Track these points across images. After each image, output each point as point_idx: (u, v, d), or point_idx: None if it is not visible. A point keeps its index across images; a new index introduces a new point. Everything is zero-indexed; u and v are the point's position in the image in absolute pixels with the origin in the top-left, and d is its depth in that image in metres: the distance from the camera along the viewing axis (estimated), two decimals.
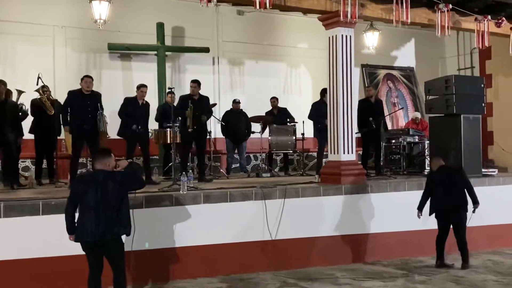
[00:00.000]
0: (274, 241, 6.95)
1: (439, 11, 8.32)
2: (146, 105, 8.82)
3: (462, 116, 8.81)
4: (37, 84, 8.28)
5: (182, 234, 6.47)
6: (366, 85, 12.93)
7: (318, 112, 9.83)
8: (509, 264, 7.35)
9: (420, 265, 7.16)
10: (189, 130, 8.49)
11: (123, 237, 4.92)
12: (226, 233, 6.73)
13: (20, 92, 8.30)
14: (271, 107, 11.11)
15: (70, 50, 10.82)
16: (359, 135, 9.30)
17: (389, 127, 12.44)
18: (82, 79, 8.09)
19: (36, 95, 8.61)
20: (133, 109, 8.58)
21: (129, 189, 4.95)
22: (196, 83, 8.93)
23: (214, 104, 10.50)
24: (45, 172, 9.00)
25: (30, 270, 5.78)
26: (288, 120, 10.87)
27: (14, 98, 8.30)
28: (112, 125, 8.76)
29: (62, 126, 8.34)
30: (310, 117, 10.38)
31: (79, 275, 4.90)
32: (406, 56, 14.37)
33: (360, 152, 10.18)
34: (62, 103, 8.32)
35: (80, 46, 10.88)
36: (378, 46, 12.72)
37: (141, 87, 8.72)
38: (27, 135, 8.61)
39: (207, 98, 9.18)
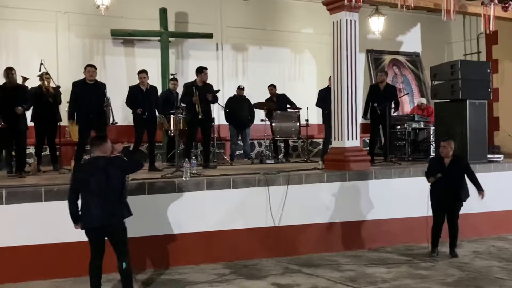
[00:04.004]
0: (277, 228, 6.95)
1: None
2: (151, 90, 8.65)
3: (468, 101, 8.73)
4: (39, 71, 8.26)
5: (185, 221, 6.46)
6: (375, 71, 12.75)
7: (325, 99, 9.71)
8: None
9: (424, 252, 7.11)
10: (200, 116, 8.40)
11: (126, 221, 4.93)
12: (229, 219, 6.72)
13: (25, 79, 8.26)
14: (269, 95, 11.00)
15: (73, 36, 10.73)
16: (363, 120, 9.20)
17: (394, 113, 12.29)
18: (85, 69, 8.05)
19: (36, 83, 8.56)
20: (137, 96, 8.51)
21: (129, 173, 5.14)
22: (207, 70, 8.84)
23: (218, 90, 10.42)
24: (48, 159, 9.00)
25: (33, 257, 5.79)
26: (288, 106, 10.76)
27: None
28: (116, 112, 8.67)
29: (68, 118, 8.32)
30: (317, 104, 10.29)
31: (81, 261, 4.90)
32: (411, 41, 14.21)
33: (367, 139, 10.08)
34: (64, 89, 8.27)
35: (83, 32, 10.80)
36: (384, 31, 12.58)
37: (140, 73, 8.60)
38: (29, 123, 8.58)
39: (211, 86, 9.08)
